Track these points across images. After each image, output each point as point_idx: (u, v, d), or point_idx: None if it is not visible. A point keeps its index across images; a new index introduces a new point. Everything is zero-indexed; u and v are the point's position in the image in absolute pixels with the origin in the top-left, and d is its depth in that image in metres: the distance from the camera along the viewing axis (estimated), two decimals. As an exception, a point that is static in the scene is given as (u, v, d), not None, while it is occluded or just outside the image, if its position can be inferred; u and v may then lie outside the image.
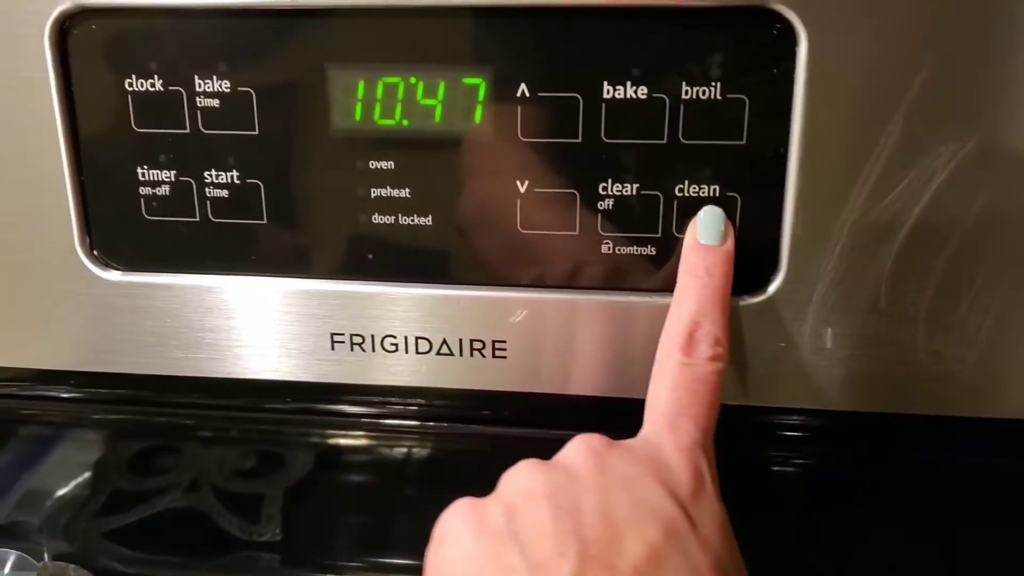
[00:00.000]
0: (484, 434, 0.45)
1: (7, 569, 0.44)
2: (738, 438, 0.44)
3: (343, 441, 0.50)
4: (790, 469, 0.44)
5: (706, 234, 0.37)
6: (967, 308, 0.37)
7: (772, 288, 0.37)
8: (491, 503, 0.31)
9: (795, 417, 0.41)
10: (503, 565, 0.29)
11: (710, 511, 0.30)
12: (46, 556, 0.44)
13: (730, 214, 0.37)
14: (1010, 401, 0.38)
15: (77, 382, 0.46)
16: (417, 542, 0.48)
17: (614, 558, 0.28)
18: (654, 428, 0.33)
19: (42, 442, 0.53)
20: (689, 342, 0.34)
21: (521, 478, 0.31)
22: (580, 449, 0.32)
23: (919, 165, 0.35)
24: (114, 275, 0.41)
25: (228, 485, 0.50)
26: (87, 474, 0.52)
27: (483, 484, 0.48)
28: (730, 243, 0.37)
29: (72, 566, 0.43)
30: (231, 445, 0.52)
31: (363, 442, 0.49)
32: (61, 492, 0.51)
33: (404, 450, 0.48)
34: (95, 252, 0.41)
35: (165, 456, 0.52)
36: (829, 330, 0.38)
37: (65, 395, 0.48)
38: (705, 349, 0.34)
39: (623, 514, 0.29)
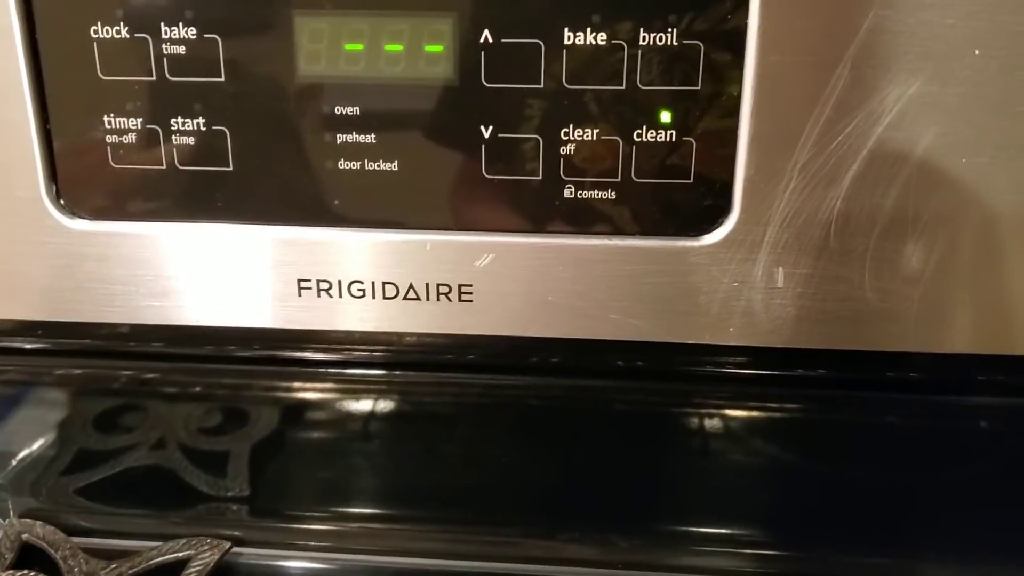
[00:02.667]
0: (453, 381, 0.46)
1: (-29, 528, 0.44)
2: (690, 378, 0.46)
3: (310, 394, 0.50)
4: (741, 409, 0.46)
5: None
6: (912, 247, 0.39)
7: (726, 229, 0.39)
8: None
9: (746, 356, 0.43)
10: None
11: None
12: (12, 514, 0.44)
13: (686, 157, 0.38)
14: (954, 337, 0.40)
15: (44, 332, 0.46)
16: (384, 492, 0.48)
17: None
18: None
19: (6, 402, 0.53)
20: None
21: None
22: None
23: (866, 108, 0.37)
24: (81, 224, 0.42)
25: (195, 442, 0.50)
26: (52, 433, 0.52)
27: (450, 432, 0.49)
28: None
29: (39, 523, 0.43)
30: (197, 402, 0.52)
31: (330, 394, 0.50)
32: (26, 451, 0.51)
33: (371, 400, 0.49)
34: (61, 201, 0.41)
35: (131, 415, 0.52)
36: (781, 269, 0.39)
37: (29, 347, 0.48)
38: None
39: None
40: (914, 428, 0.46)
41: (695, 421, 0.48)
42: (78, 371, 0.51)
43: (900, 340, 0.40)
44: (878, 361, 0.41)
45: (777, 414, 0.47)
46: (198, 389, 0.51)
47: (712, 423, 0.48)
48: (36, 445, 0.51)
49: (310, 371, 0.48)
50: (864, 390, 0.44)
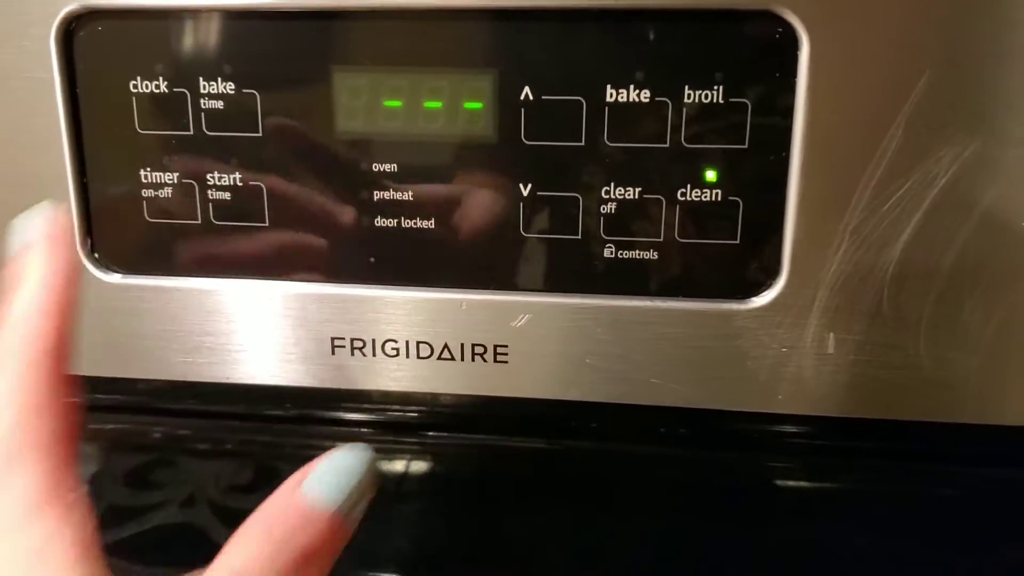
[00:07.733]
0: (485, 443, 0.45)
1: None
2: (739, 446, 0.44)
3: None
4: (792, 480, 0.44)
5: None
6: (970, 313, 0.37)
7: (774, 292, 0.37)
8: None
9: (796, 424, 0.41)
10: None
11: None
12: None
13: (732, 217, 0.37)
14: (1014, 408, 0.38)
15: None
16: (416, 555, 0.47)
17: None
18: None
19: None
20: None
21: None
22: None
23: (921, 169, 0.35)
24: (115, 278, 0.41)
25: (225, 500, 0.49)
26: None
27: (482, 494, 0.48)
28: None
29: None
30: (228, 459, 0.51)
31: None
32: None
33: (404, 460, 0.48)
34: (96, 255, 0.41)
35: (161, 470, 0.51)
36: (832, 335, 0.38)
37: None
38: None
39: None
40: (969, 501, 0.44)
41: (740, 490, 0.46)
42: (107, 427, 0.50)
43: (957, 411, 0.38)
44: (933, 431, 0.39)
45: (826, 484, 0.45)
46: (228, 448, 0.51)
47: (758, 493, 0.46)
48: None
49: (341, 431, 0.46)
50: (918, 461, 0.42)
